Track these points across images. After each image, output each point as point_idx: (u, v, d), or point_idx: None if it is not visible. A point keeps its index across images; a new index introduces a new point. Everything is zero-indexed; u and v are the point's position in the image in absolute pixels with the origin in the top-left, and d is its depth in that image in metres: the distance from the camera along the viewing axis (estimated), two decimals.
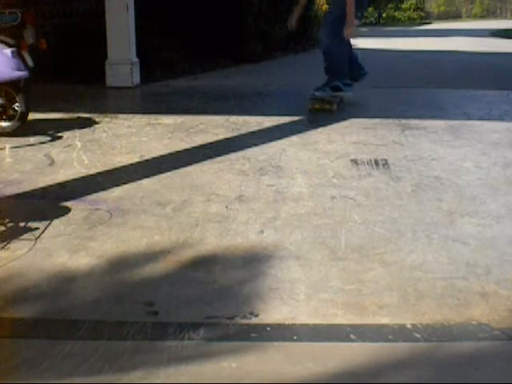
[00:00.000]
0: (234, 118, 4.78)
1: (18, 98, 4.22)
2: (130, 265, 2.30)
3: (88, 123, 4.68)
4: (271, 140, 4.09)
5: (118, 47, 6.44)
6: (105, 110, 5.29)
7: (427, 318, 1.92)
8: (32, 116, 4.46)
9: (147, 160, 3.69)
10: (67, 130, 4.42)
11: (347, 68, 5.20)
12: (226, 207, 2.88)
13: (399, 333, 1.85)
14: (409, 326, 1.87)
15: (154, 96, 6.26)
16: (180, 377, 1.62)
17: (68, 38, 6.87)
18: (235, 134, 4.33)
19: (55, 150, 3.91)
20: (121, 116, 4.95)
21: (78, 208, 2.86)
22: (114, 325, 1.89)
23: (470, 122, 4.67)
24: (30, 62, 4.29)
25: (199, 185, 3.20)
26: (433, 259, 2.33)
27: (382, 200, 2.98)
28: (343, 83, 5.16)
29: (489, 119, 4.81)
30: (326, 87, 5.16)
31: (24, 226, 2.62)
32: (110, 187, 3.16)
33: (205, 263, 2.33)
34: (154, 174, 3.37)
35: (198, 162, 3.60)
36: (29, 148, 3.97)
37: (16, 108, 4.25)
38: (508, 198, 3.06)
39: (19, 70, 4.08)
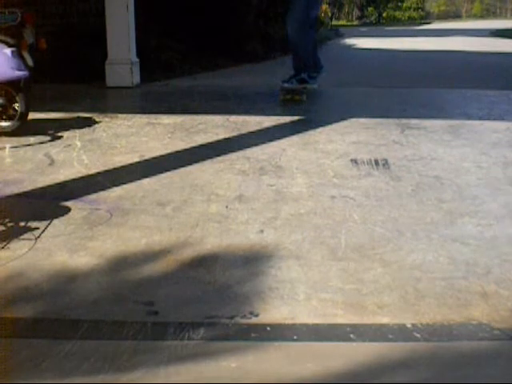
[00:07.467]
0: (233, 118, 4.78)
1: (17, 98, 4.22)
2: (129, 264, 2.30)
3: (88, 123, 4.68)
4: (271, 140, 4.09)
5: (117, 47, 6.43)
6: (105, 109, 5.28)
7: (427, 317, 1.92)
8: (32, 116, 4.46)
9: (147, 160, 3.69)
10: (67, 129, 4.42)
11: (312, 61, 5.66)
12: (226, 207, 2.88)
13: (399, 333, 1.84)
14: (409, 325, 1.87)
15: (153, 96, 6.26)
16: (180, 377, 1.62)
17: (68, 38, 6.87)
18: (235, 133, 4.33)
19: (55, 149, 3.91)
20: (121, 116, 4.94)
21: (77, 208, 2.86)
22: (114, 325, 1.89)
23: (469, 122, 4.67)
24: (30, 62, 4.29)
25: (199, 184, 3.20)
26: (433, 259, 2.33)
27: (381, 200, 2.98)
28: (309, 76, 5.62)
29: (489, 119, 4.81)
30: (293, 79, 5.62)
31: (24, 226, 2.62)
32: (109, 187, 3.16)
33: (205, 263, 2.33)
34: (153, 174, 3.37)
35: (197, 161, 3.60)
36: (29, 148, 3.97)
37: (16, 108, 4.25)
38: (508, 197, 3.06)
39: (19, 69, 4.08)
